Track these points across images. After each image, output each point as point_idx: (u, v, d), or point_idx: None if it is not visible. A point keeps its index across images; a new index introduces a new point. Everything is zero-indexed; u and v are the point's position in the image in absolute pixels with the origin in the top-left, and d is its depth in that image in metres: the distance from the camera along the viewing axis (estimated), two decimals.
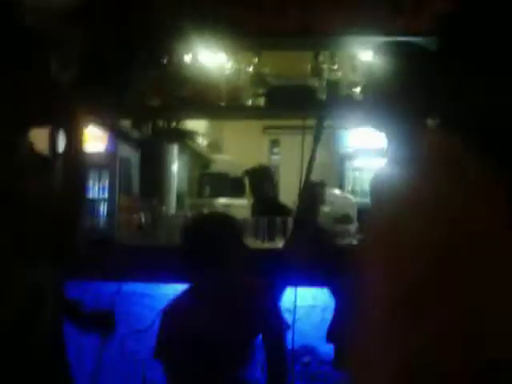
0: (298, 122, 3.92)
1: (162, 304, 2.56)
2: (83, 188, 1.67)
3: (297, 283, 2.34)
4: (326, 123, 2.18)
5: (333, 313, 2.13)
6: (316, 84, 3.51)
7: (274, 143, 7.05)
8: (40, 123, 1.66)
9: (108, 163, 3.22)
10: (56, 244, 1.55)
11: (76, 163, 1.59)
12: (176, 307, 2.48)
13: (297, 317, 2.59)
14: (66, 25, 2.83)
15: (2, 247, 1.50)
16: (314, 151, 1.96)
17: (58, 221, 1.52)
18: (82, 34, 2.93)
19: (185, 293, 2.52)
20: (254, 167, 5.07)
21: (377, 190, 1.99)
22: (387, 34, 3.48)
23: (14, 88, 1.56)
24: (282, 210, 4.28)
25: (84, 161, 1.63)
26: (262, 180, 4.94)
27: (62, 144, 1.60)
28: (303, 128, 2.09)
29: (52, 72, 1.62)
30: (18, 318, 1.55)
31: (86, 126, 1.67)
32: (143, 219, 3.18)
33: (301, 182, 2.09)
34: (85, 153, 1.62)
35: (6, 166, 1.52)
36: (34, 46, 1.59)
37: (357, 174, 5.08)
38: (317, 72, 3.53)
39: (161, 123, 4.03)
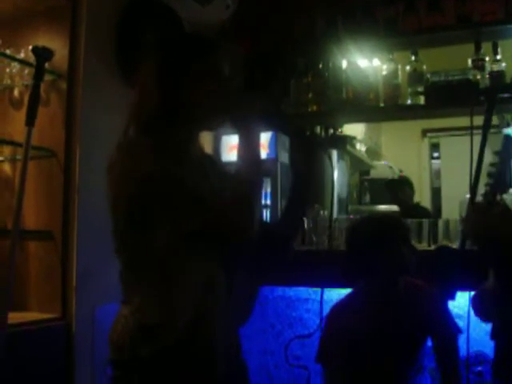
0: (457, 123, 3.76)
1: (325, 309, 2.54)
2: (260, 187, 1.71)
3: (468, 287, 2.22)
4: (494, 119, 2.06)
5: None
6: (479, 77, 3.34)
7: (434, 147, 6.82)
8: (217, 125, 1.75)
9: (270, 170, 3.27)
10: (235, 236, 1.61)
11: (255, 165, 1.65)
12: (339, 311, 2.46)
13: (470, 323, 2.47)
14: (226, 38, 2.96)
15: (174, 240, 1.56)
16: (482, 150, 1.85)
17: (232, 217, 1.58)
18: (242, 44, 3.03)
19: (348, 297, 2.49)
20: (392, 178, 5.46)
21: None
22: None
23: (192, 90, 1.66)
24: (419, 214, 4.37)
25: (260, 163, 1.69)
26: (397, 189, 5.29)
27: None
28: (471, 127, 1.96)
29: (227, 79, 1.72)
30: (192, 308, 1.60)
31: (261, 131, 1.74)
32: (305, 224, 3.18)
33: (471, 185, 1.97)
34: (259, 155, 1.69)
35: (181, 163, 1.59)
36: (208, 54, 1.70)
37: None
38: (478, 64, 3.35)
39: (318, 130, 4.02)
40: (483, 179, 1.94)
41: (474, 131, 2.00)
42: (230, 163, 1.83)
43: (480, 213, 1.82)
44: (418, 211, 4.94)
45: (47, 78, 2.79)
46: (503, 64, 3.36)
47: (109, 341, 1.64)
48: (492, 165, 1.87)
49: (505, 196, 2.02)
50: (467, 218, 1.85)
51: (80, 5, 2.84)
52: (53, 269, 2.87)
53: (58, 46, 2.86)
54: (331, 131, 4.11)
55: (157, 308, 1.59)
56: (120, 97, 2.83)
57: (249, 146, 1.66)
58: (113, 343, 1.63)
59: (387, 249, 2.30)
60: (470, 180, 1.92)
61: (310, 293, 3.14)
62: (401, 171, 5.74)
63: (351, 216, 3.63)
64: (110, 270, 1.76)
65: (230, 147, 3.27)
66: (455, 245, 2.82)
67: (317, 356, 2.43)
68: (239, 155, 1.66)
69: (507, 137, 1.95)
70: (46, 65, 2.64)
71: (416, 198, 5.55)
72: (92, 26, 2.86)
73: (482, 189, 1.91)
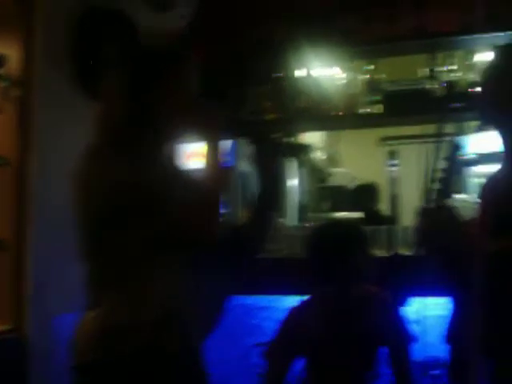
0: (415, 131, 3.83)
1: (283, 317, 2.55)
2: (222, 195, 1.75)
3: (423, 293, 2.26)
4: (448, 128, 2.11)
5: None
6: (434, 86, 3.41)
7: (392, 154, 6.91)
8: (183, 137, 1.80)
9: (227, 178, 3.26)
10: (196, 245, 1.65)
11: (218, 175, 1.71)
12: (296, 318, 2.46)
13: (425, 328, 2.50)
14: (183, 46, 2.94)
15: (143, 249, 1.60)
16: (436, 158, 1.89)
17: (197, 229, 1.63)
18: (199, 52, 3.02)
19: (305, 303, 2.50)
20: (361, 184, 5.47)
21: (487, 191, 1.97)
22: (507, 29, 3.34)
23: (158, 101, 1.69)
24: (384, 221, 4.39)
25: (224, 172, 1.75)
26: (366, 195, 5.38)
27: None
28: (423, 135, 2.00)
29: (189, 89, 1.76)
30: (161, 312, 1.61)
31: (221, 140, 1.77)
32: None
33: (424, 191, 2.01)
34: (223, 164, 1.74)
35: (148, 172, 1.62)
36: (171, 65, 1.74)
37: (479, 180, 4.88)
38: (434, 74, 3.43)
39: (278, 138, 4.05)
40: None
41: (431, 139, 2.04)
42: (191, 170, 1.85)
43: (428, 218, 1.86)
44: (381, 218, 4.99)
45: (0, 84, 2.75)
46: (458, 74, 3.44)
47: (72, 346, 1.64)
48: (441, 171, 1.92)
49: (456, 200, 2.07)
50: (417, 223, 1.89)
51: (35, 12, 2.82)
52: (6, 279, 2.82)
53: (12, 52, 2.82)
54: (291, 139, 4.14)
55: (124, 311, 1.60)
56: (78, 105, 2.81)
57: (211, 154, 1.71)
58: (77, 348, 1.63)
59: (343, 256, 2.32)
60: (424, 188, 1.95)
61: (269, 300, 3.15)
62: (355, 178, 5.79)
63: (309, 224, 3.66)
64: (68, 279, 1.74)
65: (188, 155, 3.27)
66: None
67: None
68: (203, 163, 1.70)
69: (454, 144, 2.01)
70: None
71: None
72: (47, 34, 2.84)
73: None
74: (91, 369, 1.59)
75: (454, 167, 1.93)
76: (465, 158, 5.10)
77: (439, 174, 1.90)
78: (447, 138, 3.68)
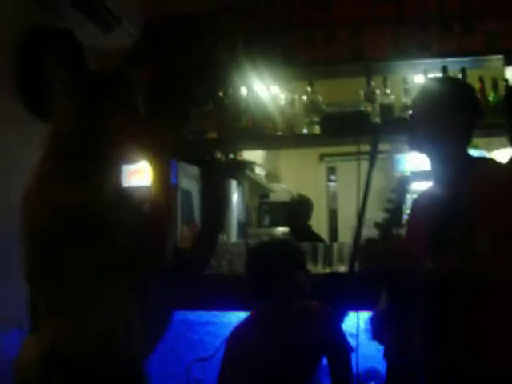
0: (353, 149, 3.94)
1: (225, 332, 2.59)
2: (171, 214, 1.78)
3: (359, 307, 2.34)
4: (382, 146, 2.21)
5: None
6: (369, 109, 3.55)
7: (331, 170, 7.07)
8: (130, 157, 1.79)
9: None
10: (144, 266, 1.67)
11: (165, 193, 1.72)
12: (239, 334, 2.52)
13: (361, 341, 2.58)
14: (128, 65, 2.98)
15: (90, 270, 1.59)
16: (369, 175, 1.98)
17: (147, 246, 1.64)
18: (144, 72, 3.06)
19: (248, 320, 2.55)
20: (299, 200, 5.34)
21: (415, 208, 2.15)
22: (439, 55, 3.50)
23: (108, 123, 1.71)
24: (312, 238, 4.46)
25: (170, 191, 1.76)
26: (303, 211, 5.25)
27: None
28: (358, 153, 2.10)
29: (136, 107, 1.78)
30: (105, 337, 1.62)
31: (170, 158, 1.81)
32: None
33: (359, 206, 2.10)
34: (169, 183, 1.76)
35: (95, 195, 1.64)
36: (119, 89, 1.76)
37: (414, 196, 5.03)
38: (370, 97, 3.56)
39: (219, 155, 4.11)
40: (373, 204, 2.08)
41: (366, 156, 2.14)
42: (135, 189, 1.87)
43: (371, 248, 1.95)
44: (313, 235, 5.05)
45: None
46: (392, 97, 3.59)
47: (14, 369, 1.63)
48: (389, 201, 2.01)
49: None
50: (359, 250, 1.96)
51: None
52: None
53: None
54: (231, 156, 4.20)
55: (70, 336, 1.60)
56: (23, 126, 2.78)
57: (157, 173, 1.72)
58: (19, 371, 1.62)
59: (282, 273, 2.39)
60: (358, 208, 2.03)
61: (211, 316, 3.18)
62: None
63: (249, 240, 3.72)
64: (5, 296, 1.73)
65: (130, 173, 3.29)
66: None
67: (219, 376, 2.48)
68: (148, 181, 1.72)
69: (403, 176, 2.11)
70: None
71: (313, 220, 5.69)
72: None
73: (370, 213, 2.04)
74: None
75: (403, 199, 2.03)
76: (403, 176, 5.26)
77: (387, 204, 2.00)
78: (387, 156, 3.83)
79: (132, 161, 1.82)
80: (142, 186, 1.81)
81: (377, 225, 1.98)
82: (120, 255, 1.61)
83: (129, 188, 1.81)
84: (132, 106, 1.77)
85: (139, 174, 1.90)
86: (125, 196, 1.81)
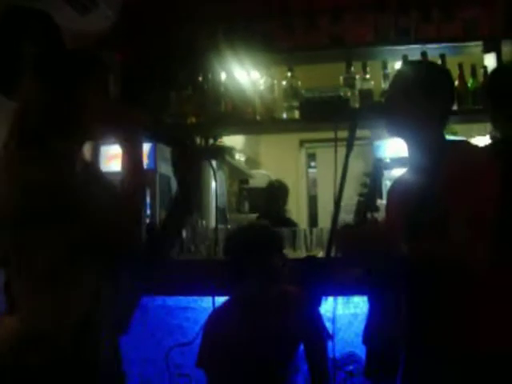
0: (333, 135, 3.95)
1: (205, 317, 2.60)
2: (143, 197, 1.80)
3: (337, 292, 2.35)
4: (361, 132, 2.22)
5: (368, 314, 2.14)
6: (349, 94, 3.55)
7: (311, 157, 7.09)
8: (101, 137, 1.78)
9: (148, 180, 3.28)
10: (116, 248, 1.66)
11: (138, 176, 1.71)
12: (216, 319, 2.53)
13: (340, 325, 2.60)
14: (106, 48, 2.95)
15: (61, 252, 1.59)
16: (346, 159, 1.98)
17: (117, 228, 1.63)
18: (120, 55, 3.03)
19: (225, 304, 2.56)
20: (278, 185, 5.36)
21: (392, 194, 2.15)
22: (418, 42, 3.52)
23: (76, 103, 1.68)
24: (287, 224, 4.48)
25: (143, 174, 1.75)
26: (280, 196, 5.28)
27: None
28: (336, 139, 2.09)
29: (108, 91, 1.76)
30: (78, 320, 1.62)
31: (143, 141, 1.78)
32: (184, 234, 3.23)
33: (336, 191, 2.10)
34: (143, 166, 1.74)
35: (63, 175, 1.61)
36: (90, 68, 1.73)
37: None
38: (349, 82, 3.57)
39: (198, 140, 4.09)
40: (353, 190, 2.08)
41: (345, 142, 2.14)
42: (111, 173, 1.86)
43: (348, 232, 1.95)
44: (288, 220, 5.05)
45: None
46: (371, 82, 3.60)
47: None
48: (363, 185, 2.01)
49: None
50: (336, 235, 1.96)
51: None
52: None
53: None
54: (211, 141, 4.19)
55: (43, 318, 1.60)
56: None
57: (131, 157, 1.71)
58: None
59: (258, 258, 2.40)
60: (335, 193, 2.03)
61: (190, 301, 3.18)
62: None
63: (228, 225, 3.73)
64: None
65: (109, 157, 3.26)
66: None
67: (197, 360, 2.49)
68: (122, 166, 1.70)
69: (377, 160, 2.12)
70: None
71: (293, 206, 5.70)
72: None
73: (348, 199, 2.04)
74: (9, 372, 1.57)
75: (377, 183, 2.04)
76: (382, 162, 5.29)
77: (362, 189, 2.00)
78: (367, 142, 3.84)
79: (101, 141, 1.81)
80: (119, 170, 1.79)
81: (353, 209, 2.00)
82: (92, 236, 1.60)
83: (104, 170, 1.80)
84: (101, 86, 1.74)
85: (119, 158, 1.89)
86: (95, 176, 1.79)
